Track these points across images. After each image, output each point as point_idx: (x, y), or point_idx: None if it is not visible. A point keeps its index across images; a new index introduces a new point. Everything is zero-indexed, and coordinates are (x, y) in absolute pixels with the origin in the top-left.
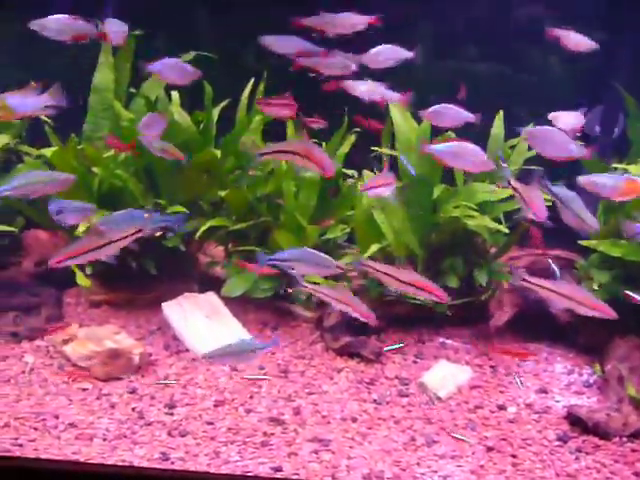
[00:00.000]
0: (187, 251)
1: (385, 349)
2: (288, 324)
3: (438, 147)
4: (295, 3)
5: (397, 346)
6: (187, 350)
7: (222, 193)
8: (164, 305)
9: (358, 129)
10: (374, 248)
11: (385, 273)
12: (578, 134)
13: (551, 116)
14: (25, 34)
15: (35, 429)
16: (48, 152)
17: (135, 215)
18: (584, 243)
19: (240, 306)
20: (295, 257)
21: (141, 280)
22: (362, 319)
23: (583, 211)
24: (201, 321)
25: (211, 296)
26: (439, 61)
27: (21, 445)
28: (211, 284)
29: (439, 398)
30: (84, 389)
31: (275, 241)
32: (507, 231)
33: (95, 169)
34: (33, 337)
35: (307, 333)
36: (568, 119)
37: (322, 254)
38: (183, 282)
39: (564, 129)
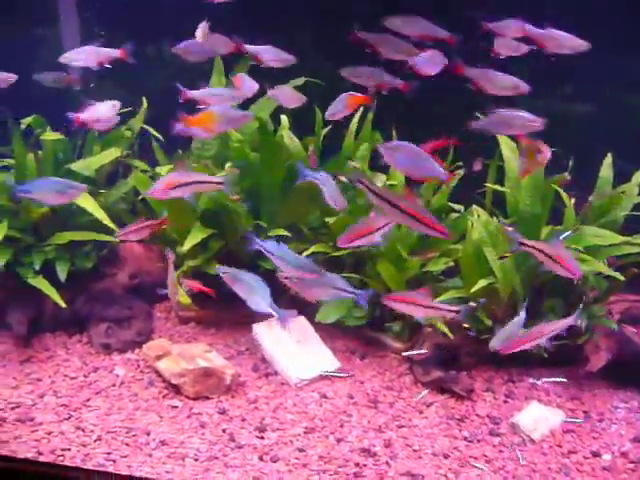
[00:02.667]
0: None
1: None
2: (376, 354)
3: None
4: None
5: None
6: (276, 373)
7: (330, 220)
8: (255, 326)
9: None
10: (482, 283)
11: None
12: None
13: None
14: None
15: (127, 445)
16: (163, 170)
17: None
18: None
19: (328, 332)
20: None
21: (230, 299)
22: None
23: None
24: (291, 345)
25: (301, 320)
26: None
27: (114, 461)
28: (299, 308)
29: (532, 440)
30: (174, 406)
31: (373, 270)
32: (622, 277)
33: None
34: (124, 350)
35: (395, 364)
36: None
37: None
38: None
39: None
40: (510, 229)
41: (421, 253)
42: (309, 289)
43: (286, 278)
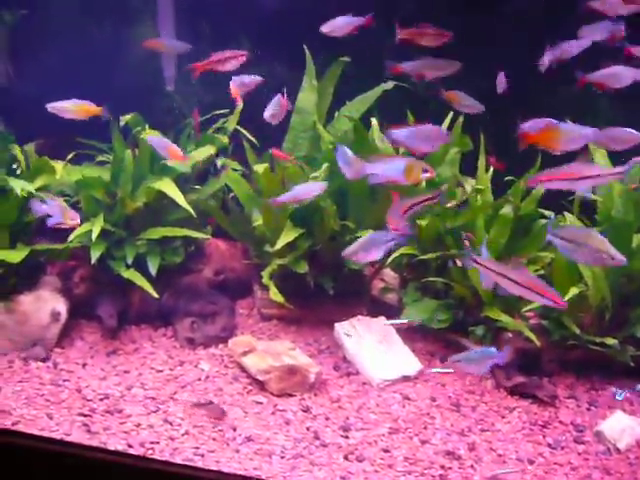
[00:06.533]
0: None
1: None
2: None
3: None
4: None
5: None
6: (357, 373)
7: (422, 222)
8: (337, 325)
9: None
10: (574, 291)
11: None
12: None
13: None
14: None
15: (214, 440)
16: (260, 168)
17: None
18: None
19: (407, 334)
20: None
21: (312, 298)
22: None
23: None
24: (374, 346)
25: (383, 321)
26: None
27: (202, 455)
28: (380, 309)
29: (617, 449)
30: (258, 402)
31: (458, 274)
32: None
33: None
34: (208, 345)
35: None
36: None
37: None
38: (353, 304)
39: None
40: None
41: (508, 259)
42: None
43: None
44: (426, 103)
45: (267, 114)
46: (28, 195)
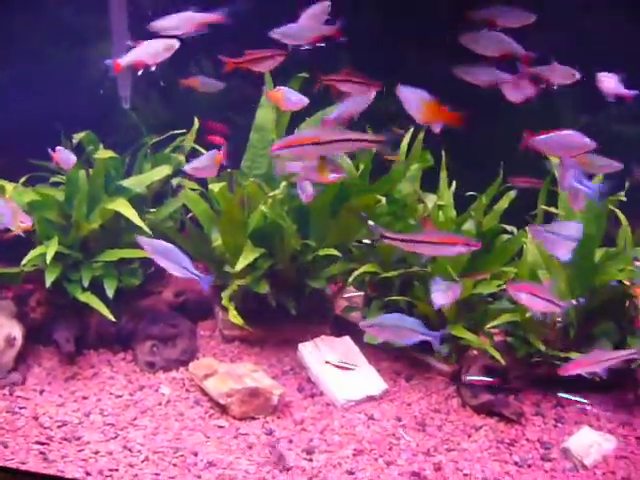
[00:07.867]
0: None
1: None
2: (422, 375)
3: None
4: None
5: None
6: (322, 394)
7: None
8: (300, 346)
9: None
10: None
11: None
12: None
13: None
14: None
15: (175, 465)
16: (216, 187)
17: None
18: None
19: (372, 353)
20: None
21: (275, 318)
22: None
23: None
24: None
25: (347, 341)
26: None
27: None
28: (344, 328)
29: (584, 466)
30: (220, 427)
31: (422, 291)
32: None
33: (262, 207)
34: (168, 368)
35: (442, 387)
36: None
37: None
38: (316, 324)
39: None
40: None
41: (471, 275)
42: None
43: None
44: (390, 119)
45: (190, 167)
46: None
